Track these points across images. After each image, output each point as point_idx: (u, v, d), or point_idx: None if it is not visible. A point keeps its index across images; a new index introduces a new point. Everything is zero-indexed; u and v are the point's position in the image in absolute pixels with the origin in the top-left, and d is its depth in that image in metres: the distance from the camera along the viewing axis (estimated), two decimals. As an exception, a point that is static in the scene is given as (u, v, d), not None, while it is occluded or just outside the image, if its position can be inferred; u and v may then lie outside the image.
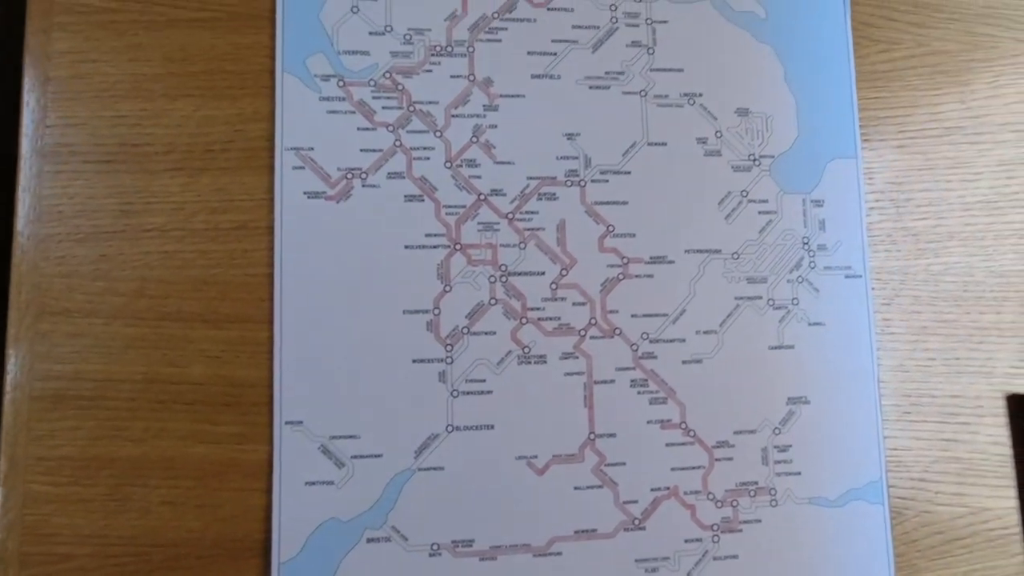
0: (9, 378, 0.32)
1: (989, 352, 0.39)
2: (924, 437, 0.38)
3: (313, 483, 0.33)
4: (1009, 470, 0.38)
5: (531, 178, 0.36)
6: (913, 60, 0.40)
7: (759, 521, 0.35)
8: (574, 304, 0.35)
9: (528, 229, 0.35)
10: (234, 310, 0.33)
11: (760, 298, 0.37)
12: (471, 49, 0.36)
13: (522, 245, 0.35)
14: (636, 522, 0.35)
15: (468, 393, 0.34)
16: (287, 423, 0.33)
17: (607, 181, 0.36)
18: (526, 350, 0.35)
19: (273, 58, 0.34)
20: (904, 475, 0.38)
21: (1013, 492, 0.38)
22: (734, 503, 0.35)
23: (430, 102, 0.35)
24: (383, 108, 0.35)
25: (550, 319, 0.35)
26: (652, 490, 0.35)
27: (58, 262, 0.32)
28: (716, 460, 0.35)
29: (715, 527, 0.35)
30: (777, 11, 0.38)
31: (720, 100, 0.37)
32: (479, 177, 0.35)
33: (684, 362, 0.36)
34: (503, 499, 0.34)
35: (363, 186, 0.34)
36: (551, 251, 0.35)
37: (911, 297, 0.39)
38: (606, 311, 0.35)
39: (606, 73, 0.37)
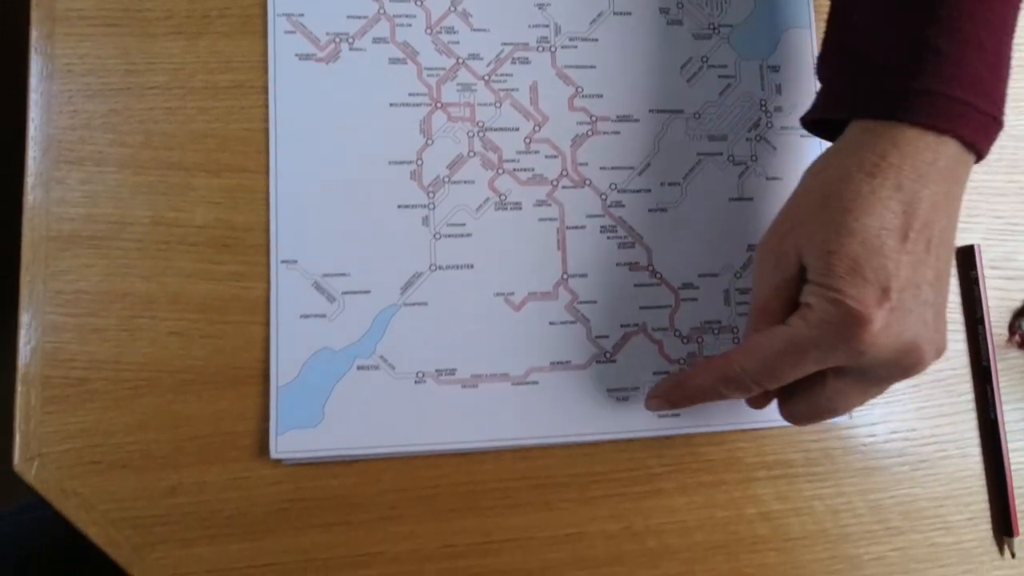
0: (27, 219, 0.35)
1: (937, 208, 0.42)
2: (877, 285, 0.41)
3: (307, 316, 0.36)
4: (958, 315, 0.41)
5: (505, 44, 0.38)
6: (862, -63, 0.42)
7: (722, 357, 0.38)
8: (546, 157, 0.38)
9: (503, 90, 0.38)
10: (233, 161, 0.36)
11: (720, 154, 0.39)
12: (448, -76, 0.39)
13: (497, 104, 0.38)
14: (607, 355, 0.37)
15: (449, 236, 0.37)
16: (283, 262, 0.36)
17: (576, 47, 0.39)
18: (502, 197, 0.37)
19: (265, -69, 0.37)
20: (858, 319, 0.40)
21: (962, 336, 0.41)
22: (699, 339, 0.38)
23: (411, -28, 0.38)
24: (367, -23, 0.38)
25: (524, 170, 0.38)
26: (622, 326, 0.38)
27: (70, 116, 0.35)
28: (682, 300, 0.38)
29: (681, 361, 0.38)
30: None
31: (681, -27, 0.40)
32: (457, 43, 0.38)
33: (650, 210, 0.39)
34: (483, 332, 0.37)
35: (350, 49, 0.37)
36: (524, 109, 0.38)
37: (863, 156, 0.41)
38: (576, 164, 0.38)
39: (575, -52, 0.40)
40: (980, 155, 0.30)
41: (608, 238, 0.38)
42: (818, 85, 0.34)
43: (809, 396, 0.32)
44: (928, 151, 0.28)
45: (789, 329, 0.29)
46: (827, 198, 0.29)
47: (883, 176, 0.28)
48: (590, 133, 0.39)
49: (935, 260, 0.29)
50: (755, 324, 0.32)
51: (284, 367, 0.35)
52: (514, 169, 0.38)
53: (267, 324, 0.35)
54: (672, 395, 0.35)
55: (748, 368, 0.31)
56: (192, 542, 0.34)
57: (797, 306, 0.30)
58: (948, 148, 0.28)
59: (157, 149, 0.36)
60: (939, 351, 0.30)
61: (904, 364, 0.29)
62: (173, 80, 0.36)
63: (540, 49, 0.39)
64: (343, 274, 0.36)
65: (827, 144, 0.40)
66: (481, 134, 0.38)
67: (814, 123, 0.35)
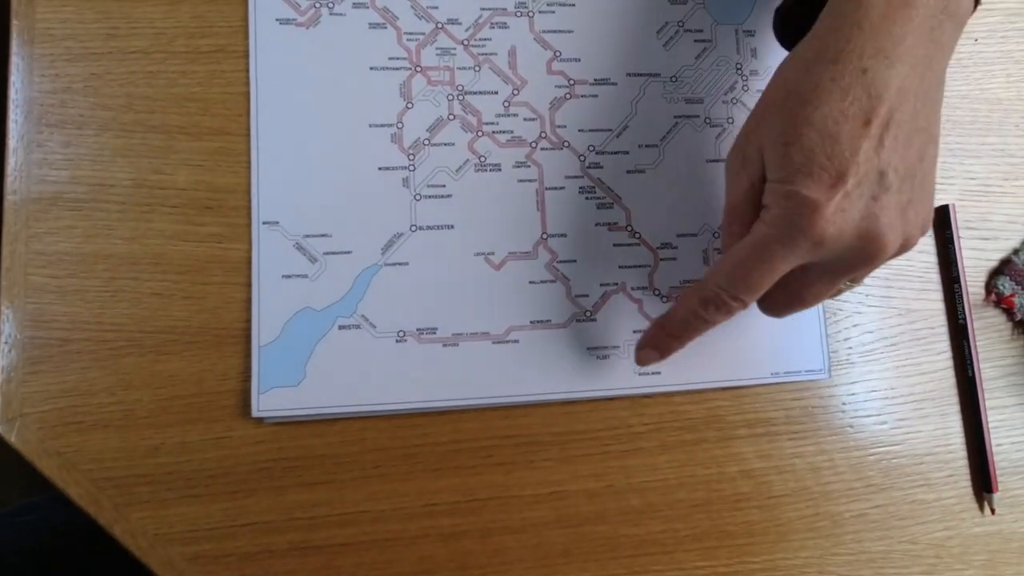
0: (9, 181, 0.35)
1: (913, 170, 0.42)
2: (854, 245, 0.41)
3: (289, 276, 0.36)
4: (934, 274, 0.42)
5: (484, 9, 0.39)
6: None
7: (701, 315, 0.39)
8: (525, 120, 0.39)
9: (482, 54, 0.39)
10: (214, 124, 0.37)
11: (697, 117, 0.40)
12: None
13: (477, 68, 0.39)
14: (587, 314, 0.38)
15: (429, 197, 0.37)
16: (264, 223, 0.36)
17: (553, 12, 0.40)
18: (482, 159, 0.38)
19: (244, -101, 0.38)
20: (836, 280, 0.41)
21: (938, 294, 0.42)
22: (678, 299, 0.39)
23: (389, -61, 0.39)
24: (346, -57, 0.38)
25: (503, 132, 0.38)
26: (601, 285, 0.38)
27: (52, 79, 0.36)
28: (660, 260, 0.39)
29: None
30: None
31: (657, -59, 0.41)
32: (436, 8, 0.39)
33: (628, 172, 0.39)
34: (463, 291, 0.37)
35: (330, 14, 0.38)
36: (503, 73, 0.39)
37: (839, 120, 0.42)
38: (555, 126, 0.39)
39: (551, -85, 0.40)
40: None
41: (587, 199, 0.38)
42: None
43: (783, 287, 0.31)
44: (895, 26, 0.27)
45: (752, 234, 0.29)
46: (789, 93, 0.29)
47: (845, 62, 0.27)
48: (568, 96, 0.39)
49: (903, 146, 0.27)
50: (728, 234, 0.32)
51: (266, 327, 0.35)
52: (493, 132, 0.38)
53: (249, 285, 0.36)
54: (657, 339, 0.35)
55: (722, 283, 0.30)
56: (174, 502, 0.35)
57: None
58: (918, 13, 0.27)
59: (138, 112, 0.36)
60: (907, 241, 0.29)
61: (866, 252, 0.28)
62: (154, 44, 0.37)
63: (518, 14, 0.39)
64: (324, 235, 0.36)
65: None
66: (460, 97, 0.38)
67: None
